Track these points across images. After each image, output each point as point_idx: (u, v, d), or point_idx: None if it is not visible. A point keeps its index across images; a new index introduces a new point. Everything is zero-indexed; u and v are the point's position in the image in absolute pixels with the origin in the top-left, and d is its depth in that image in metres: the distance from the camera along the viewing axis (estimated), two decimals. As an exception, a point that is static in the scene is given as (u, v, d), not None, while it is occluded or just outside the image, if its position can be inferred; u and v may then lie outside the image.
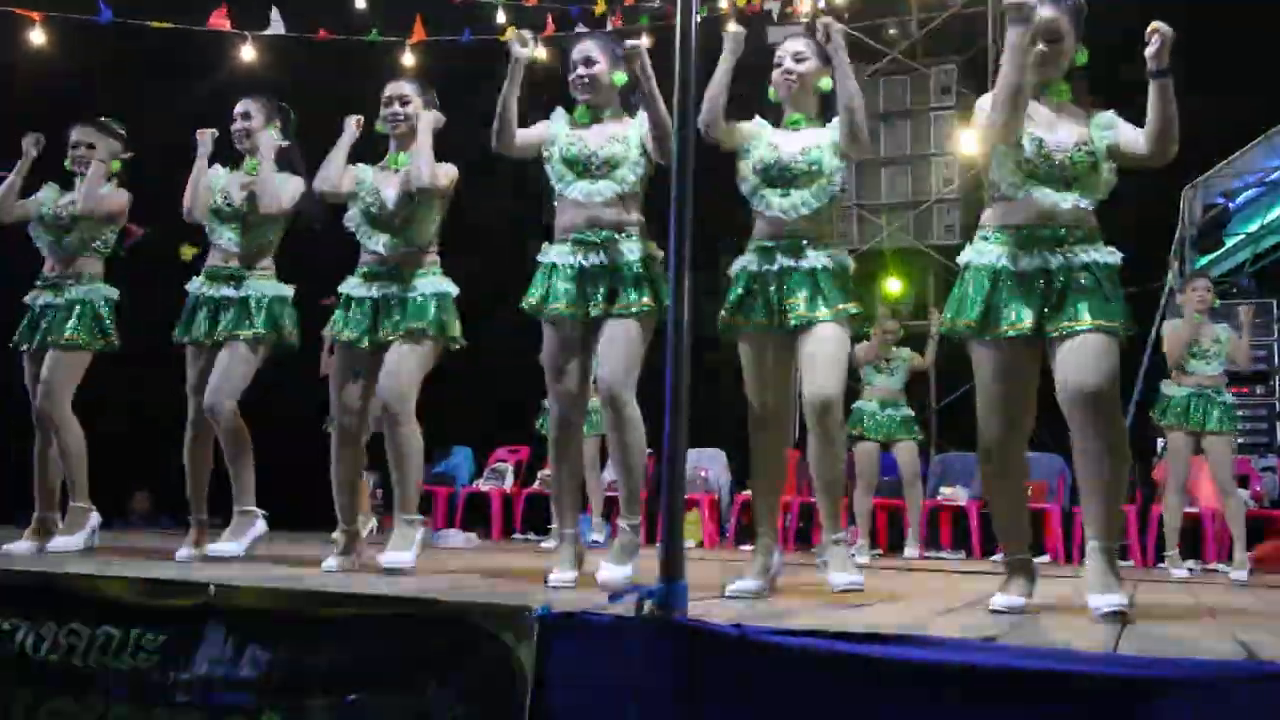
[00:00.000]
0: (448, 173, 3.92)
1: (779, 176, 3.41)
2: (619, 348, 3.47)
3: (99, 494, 4.60)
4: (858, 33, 9.87)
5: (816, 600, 3.18)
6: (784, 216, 3.39)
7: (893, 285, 9.96)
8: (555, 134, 3.67)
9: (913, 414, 7.15)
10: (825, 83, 3.46)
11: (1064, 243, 3.02)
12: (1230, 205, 9.16)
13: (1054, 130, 3.07)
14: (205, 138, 4.41)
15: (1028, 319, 2.99)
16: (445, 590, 2.96)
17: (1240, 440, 8.14)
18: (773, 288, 3.37)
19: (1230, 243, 9.83)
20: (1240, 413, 8.38)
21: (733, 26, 3.49)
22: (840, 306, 3.33)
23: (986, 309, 3.04)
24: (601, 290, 3.51)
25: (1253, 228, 10.06)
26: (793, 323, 3.33)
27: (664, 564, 2.37)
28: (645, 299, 3.48)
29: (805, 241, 3.37)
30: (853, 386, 7.18)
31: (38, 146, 4.61)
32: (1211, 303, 6.18)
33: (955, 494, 8.13)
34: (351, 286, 3.98)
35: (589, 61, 3.63)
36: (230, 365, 4.20)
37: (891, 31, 10.11)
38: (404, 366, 3.80)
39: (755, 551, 3.43)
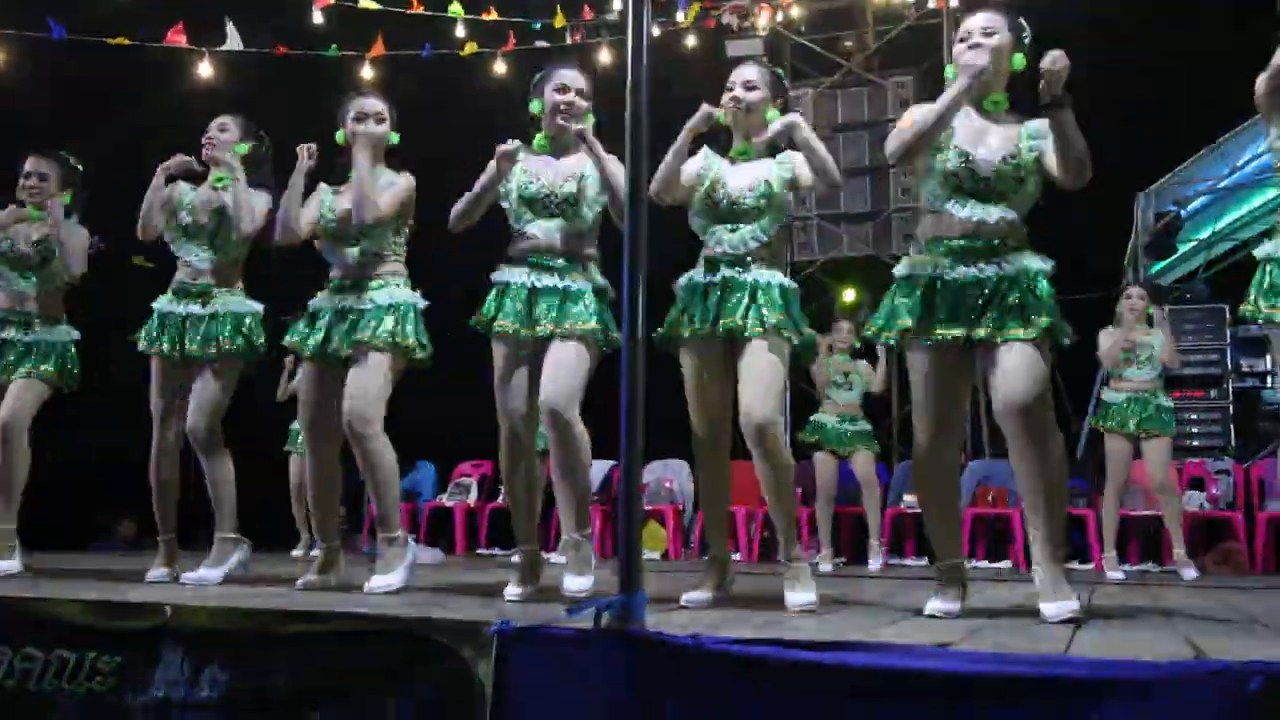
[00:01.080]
0: (394, 197, 3.88)
1: (728, 213, 3.42)
2: (562, 368, 3.48)
3: (88, 517, 4.51)
4: (815, 45, 9.99)
5: (775, 610, 3.20)
6: (733, 251, 3.40)
7: (847, 295, 10.04)
8: (513, 172, 3.68)
9: (870, 428, 7.16)
10: (772, 114, 3.46)
11: (996, 253, 3.06)
12: (1182, 212, 9.31)
13: (982, 143, 3.09)
14: (172, 163, 4.32)
15: (958, 327, 3.03)
16: (404, 605, 2.95)
17: (1195, 444, 8.30)
18: (712, 298, 3.38)
19: (1183, 249, 10.00)
20: (1194, 416, 8.53)
21: (706, 107, 3.48)
22: (778, 320, 3.31)
23: (921, 315, 3.09)
24: (551, 311, 3.53)
25: (1205, 234, 10.24)
26: (723, 329, 3.33)
27: (622, 576, 2.38)
28: (592, 322, 3.51)
29: (751, 259, 3.39)
30: (813, 397, 7.22)
31: None
32: (1146, 310, 6.30)
33: (916, 501, 8.18)
34: (316, 300, 3.96)
35: (573, 90, 3.64)
36: (207, 392, 4.14)
37: (848, 44, 10.22)
38: (365, 384, 3.76)
39: (708, 566, 3.48)
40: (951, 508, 3.24)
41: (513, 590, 3.51)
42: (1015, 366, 2.96)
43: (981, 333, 3.01)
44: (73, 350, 4.62)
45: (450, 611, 2.72)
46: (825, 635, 2.37)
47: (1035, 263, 3.07)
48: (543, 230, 3.60)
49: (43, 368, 4.48)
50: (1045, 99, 2.92)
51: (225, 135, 4.30)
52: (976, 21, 3.13)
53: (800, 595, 3.23)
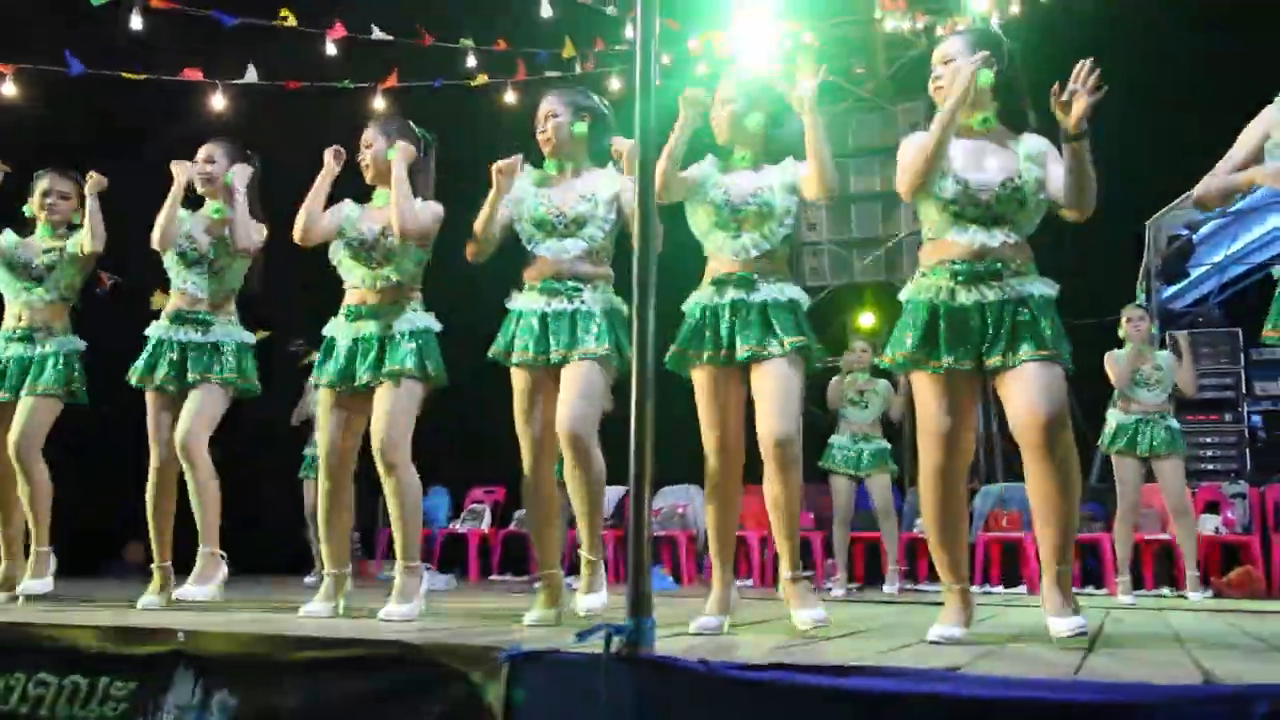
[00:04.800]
0: (433, 213, 3.88)
1: (730, 219, 3.42)
2: (577, 390, 3.51)
3: (95, 546, 4.53)
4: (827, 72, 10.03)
5: (784, 635, 3.20)
6: (735, 258, 3.41)
7: (865, 320, 10.05)
8: (524, 194, 3.73)
9: (887, 446, 7.08)
10: (753, 120, 3.45)
11: (1000, 276, 3.05)
12: (1194, 237, 9.30)
13: (979, 167, 3.10)
14: (179, 170, 4.36)
15: (968, 355, 3.04)
16: (415, 631, 2.97)
17: (1211, 467, 8.26)
18: (723, 322, 3.38)
19: (1195, 273, 9.97)
20: (1209, 440, 8.49)
21: (690, 91, 3.46)
22: (791, 340, 3.31)
23: (925, 340, 3.09)
24: (563, 336, 3.57)
25: (1217, 257, 10.21)
26: (741, 357, 3.34)
27: (632, 600, 2.39)
28: (605, 345, 3.54)
29: (756, 277, 3.39)
30: (828, 421, 7.21)
31: None
32: (1150, 330, 6.30)
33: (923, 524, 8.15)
34: (333, 328, 3.94)
35: (549, 115, 3.72)
36: (202, 405, 4.20)
37: (860, 71, 10.28)
38: (393, 411, 3.74)
39: (713, 586, 3.43)
40: (960, 531, 3.20)
41: (533, 615, 3.54)
42: (1032, 385, 2.97)
43: (994, 361, 3.01)
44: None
45: (460, 636, 2.73)
46: (836, 659, 2.37)
47: (1040, 287, 3.08)
48: (551, 251, 3.66)
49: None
50: (1077, 130, 2.94)
51: (215, 167, 4.37)
52: (935, 55, 3.22)
53: (809, 612, 3.22)
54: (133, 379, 4.32)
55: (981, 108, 3.17)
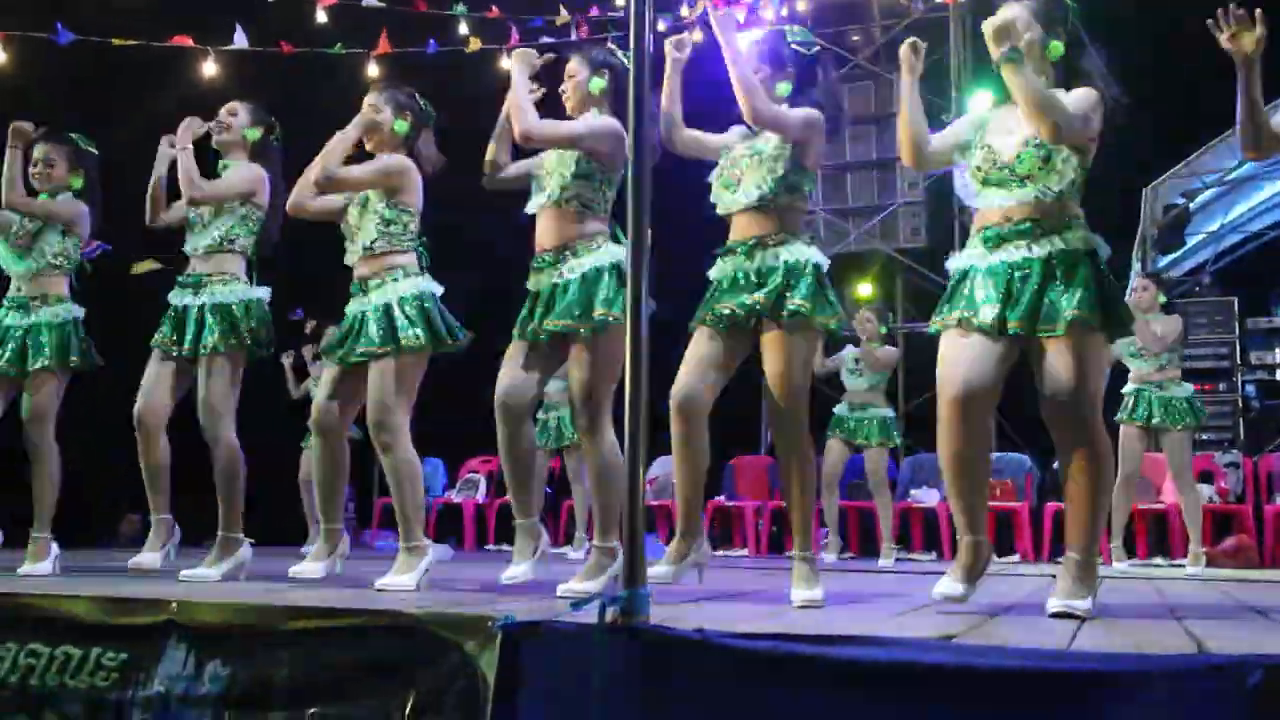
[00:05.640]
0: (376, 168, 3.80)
1: (729, 177, 3.41)
2: (575, 373, 3.47)
3: (91, 515, 4.46)
4: (821, 39, 9.97)
5: (782, 605, 3.20)
6: (729, 211, 3.38)
7: (863, 289, 10.03)
8: None
9: (888, 415, 7.03)
10: (782, 87, 3.43)
11: (1028, 235, 2.99)
12: (1190, 205, 9.28)
13: (1008, 131, 3.07)
14: (164, 146, 4.30)
15: (990, 313, 2.97)
16: (409, 601, 2.96)
17: (1204, 436, 8.27)
18: (726, 285, 3.35)
19: (1191, 242, 9.96)
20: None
21: (670, 43, 3.44)
22: (791, 306, 3.22)
23: (951, 301, 3.08)
24: (543, 310, 3.51)
25: (1213, 226, 10.19)
26: (733, 320, 3.28)
27: (627, 570, 2.38)
28: (596, 313, 3.40)
29: (754, 240, 3.33)
30: (832, 395, 7.19)
31: None
32: (1155, 299, 6.28)
33: (925, 495, 8.18)
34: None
35: (570, 75, 3.67)
36: (210, 384, 4.09)
37: (855, 38, 10.21)
38: (378, 388, 3.68)
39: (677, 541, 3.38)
40: (969, 480, 3.05)
41: (508, 572, 3.48)
42: (1059, 361, 2.92)
43: (1016, 326, 2.93)
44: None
45: (454, 606, 2.72)
46: (830, 629, 2.37)
47: (1071, 243, 2.97)
48: (529, 213, 3.62)
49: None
50: (998, 53, 2.95)
51: (235, 119, 4.28)
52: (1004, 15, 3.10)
53: (805, 591, 3.20)
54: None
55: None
